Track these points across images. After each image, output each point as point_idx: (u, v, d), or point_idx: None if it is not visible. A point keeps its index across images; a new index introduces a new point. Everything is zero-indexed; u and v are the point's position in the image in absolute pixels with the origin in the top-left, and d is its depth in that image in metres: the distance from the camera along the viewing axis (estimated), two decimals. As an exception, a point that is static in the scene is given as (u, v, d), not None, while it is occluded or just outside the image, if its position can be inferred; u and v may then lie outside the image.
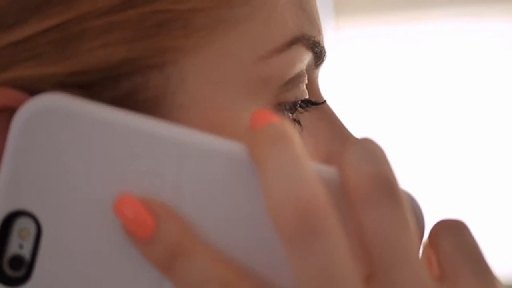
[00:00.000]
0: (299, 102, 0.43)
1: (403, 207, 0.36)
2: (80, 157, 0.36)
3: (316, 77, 0.46)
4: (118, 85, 0.38)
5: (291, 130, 0.36)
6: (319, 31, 0.44)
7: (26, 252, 0.37)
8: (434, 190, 2.01)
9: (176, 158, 0.36)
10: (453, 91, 2.07)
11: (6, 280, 0.37)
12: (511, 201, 2.04)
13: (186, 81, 0.39)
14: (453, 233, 0.38)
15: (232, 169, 0.36)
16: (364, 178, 0.35)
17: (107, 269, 0.37)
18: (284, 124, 0.36)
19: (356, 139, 0.38)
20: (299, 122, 0.44)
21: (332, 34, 2.04)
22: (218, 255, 0.36)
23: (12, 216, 0.36)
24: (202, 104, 0.40)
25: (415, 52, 2.09)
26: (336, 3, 2.09)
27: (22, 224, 0.37)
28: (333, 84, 1.98)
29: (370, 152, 0.36)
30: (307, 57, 0.43)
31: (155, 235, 0.35)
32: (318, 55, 0.44)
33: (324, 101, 0.47)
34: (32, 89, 0.38)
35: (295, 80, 0.42)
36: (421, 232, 0.40)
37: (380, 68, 2.08)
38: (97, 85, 0.38)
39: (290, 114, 0.43)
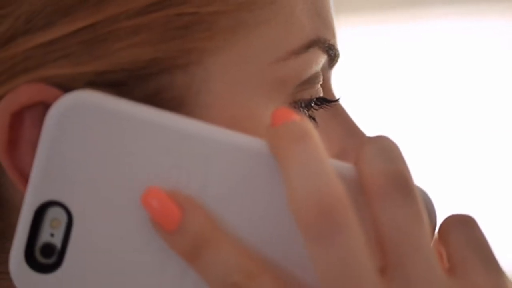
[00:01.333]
0: (314, 100, 0.45)
1: (418, 204, 0.37)
2: (111, 150, 0.38)
3: (330, 77, 0.48)
4: (145, 84, 0.40)
5: (312, 128, 0.37)
6: (333, 34, 0.46)
7: (57, 241, 0.38)
8: (432, 185, 2.03)
9: (203, 154, 0.38)
10: (453, 89, 2.08)
11: (38, 267, 0.38)
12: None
13: (209, 81, 0.41)
14: (463, 227, 0.40)
15: (255, 164, 0.38)
16: (380, 176, 0.37)
17: (134, 258, 0.39)
18: (305, 122, 0.38)
19: (370, 136, 0.40)
20: (314, 119, 0.46)
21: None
22: (242, 247, 0.38)
23: (44, 206, 0.38)
24: (224, 103, 0.41)
25: (414, 51, 2.10)
26: (336, 1, 2.10)
27: (54, 214, 0.38)
28: (333, 82, 2.00)
29: (386, 149, 0.38)
30: (322, 59, 0.45)
31: (181, 226, 0.37)
32: (333, 57, 0.46)
33: (338, 99, 0.48)
34: (66, 87, 0.39)
35: (311, 80, 0.44)
36: (433, 227, 0.41)
37: (380, 66, 2.10)
38: (126, 84, 0.40)
39: (305, 111, 0.45)
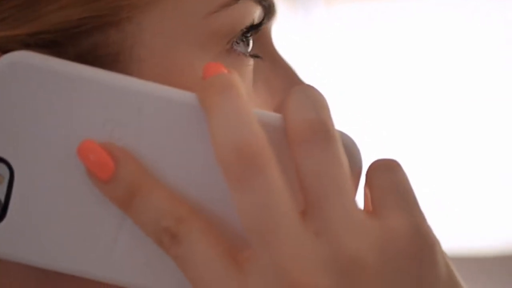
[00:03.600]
0: (248, 52, 0.46)
1: (337, 149, 0.39)
2: (47, 107, 0.40)
3: (269, 31, 0.50)
4: (79, 43, 0.42)
5: (238, 79, 0.39)
6: None
7: (0, 195, 0.41)
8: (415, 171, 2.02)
9: (136, 107, 0.40)
10: (447, 68, 2.08)
11: None
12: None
13: (143, 36, 0.43)
14: (386, 171, 0.41)
15: (185, 116, 0.40)
16: (301, 123, 0.39)
17: (75, 208, 0.41)
18: (232, 75, 0.40)
19: (298, 86, 0.42)
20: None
21: (323, 10, 2.06)
22: (173, 193, 0.40)
23: None
24: (158, 56, 0.43)
25: (408, 29, 2.11)
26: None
27: None
28: (325, 60, 2.01)
29: (310, 98, 0.40)
30: (256, 10, 0.46)
31: (115, 175, 0.39)
32: (267, 8, 0.47)
33: (276, 50, 0.50)
34: (3, 49, 0.41)
35: (245, 33, 0.45)
36: (359, 172, 0.42)
37: (372, 44, 2.11)
38: (60, 44, 0.42)
39: (241, 62, 0.46)
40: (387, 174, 0.41)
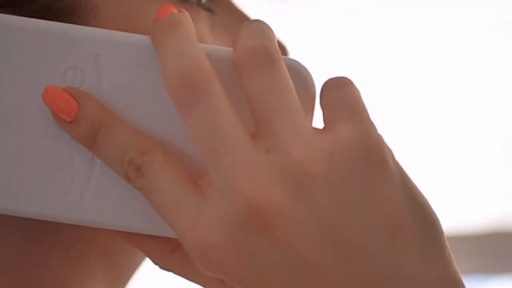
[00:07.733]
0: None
1: (278, 69, 0.41)
2: (13, 61, 0.43)
3: None
4: (35, 1, 0.45)
5: (185, 18, 0.42)
6: None
7: None
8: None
9: (93, 53, 0.43)
10: (427, 58, 2.07)
11: None
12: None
13: None
14: (335, 87, 0.42)
15: (140, 57, 0.43)
16: (244, 50, 0.41)
17: (45, 155, 0.43)
18: (180, 14, 0.42)
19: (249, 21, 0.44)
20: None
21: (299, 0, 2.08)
22: (135, 129, 0.42)
23: None
24: (112, 4, 0.46)
25: (386, 18, 2.11)
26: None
27: None
28: (301, 50, 2.03)
29: (255, 29, 0.42)
30: None
31: (78, 115, 0.42)
32: None
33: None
34: None
35: None
36: (312, 97, 0.44)
37: (350, 35, 2.11)
38: (17, 3, 0.44)
39: (196, 6, 0.49)
40: (337, 90, 0.42)
